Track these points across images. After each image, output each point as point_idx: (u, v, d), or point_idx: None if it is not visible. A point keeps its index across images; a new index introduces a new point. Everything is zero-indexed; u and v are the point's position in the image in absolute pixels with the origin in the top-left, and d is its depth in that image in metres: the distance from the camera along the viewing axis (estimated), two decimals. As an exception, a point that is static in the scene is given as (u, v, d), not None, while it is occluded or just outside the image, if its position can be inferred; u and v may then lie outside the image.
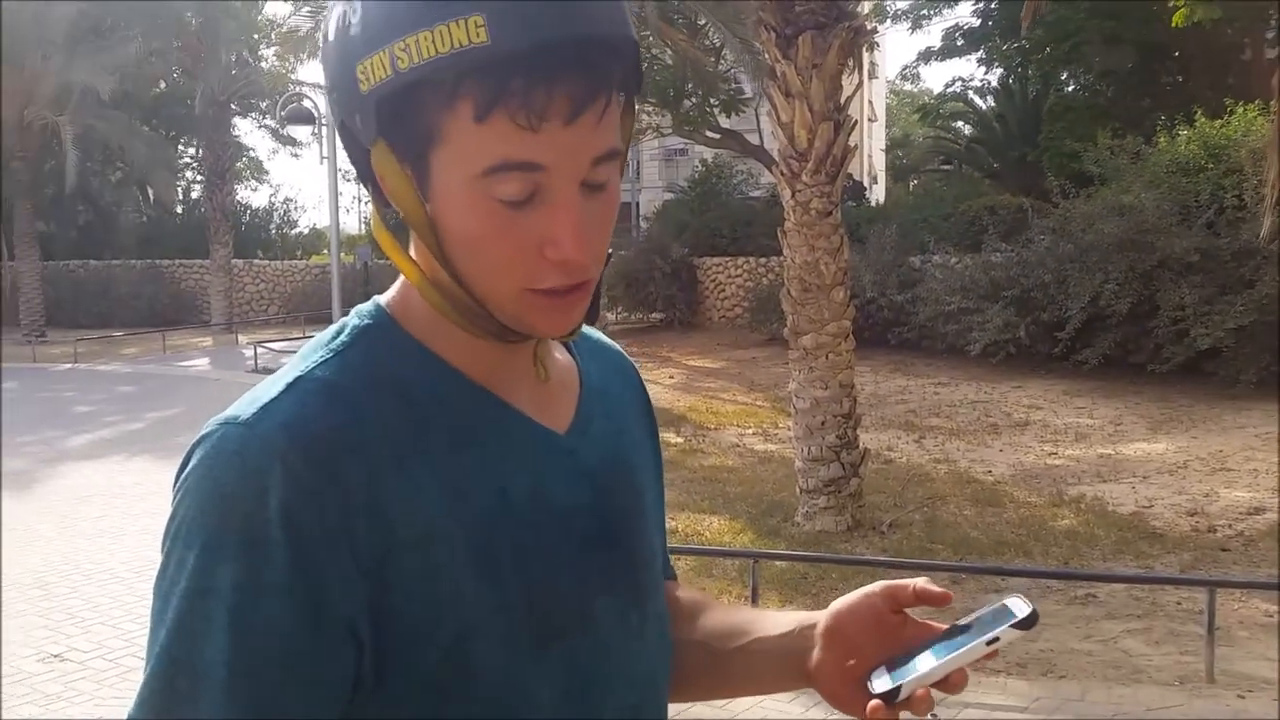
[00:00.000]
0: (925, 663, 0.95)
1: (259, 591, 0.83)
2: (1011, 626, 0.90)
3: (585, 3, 0.84)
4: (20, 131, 26.20)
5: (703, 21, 19.13)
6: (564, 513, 0.97)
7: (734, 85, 22.61)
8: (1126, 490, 10.14)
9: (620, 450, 1.07)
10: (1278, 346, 13.81)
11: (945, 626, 0.97)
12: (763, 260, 22.04)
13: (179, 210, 34.82)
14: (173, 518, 0.88)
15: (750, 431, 13.64)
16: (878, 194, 38.77)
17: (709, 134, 21.77)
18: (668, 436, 13.28)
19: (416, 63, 0.83)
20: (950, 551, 8.29)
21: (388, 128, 0.87)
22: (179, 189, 34.47)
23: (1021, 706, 5.58)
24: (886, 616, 1.01)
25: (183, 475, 0.89)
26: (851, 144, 8.89)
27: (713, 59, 21.20)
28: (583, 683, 0.95)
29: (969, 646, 0.91)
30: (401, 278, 0.99)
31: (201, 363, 22.93)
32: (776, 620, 1.10)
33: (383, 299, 1.00)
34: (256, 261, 31.28)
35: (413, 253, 0.95)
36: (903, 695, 0.94)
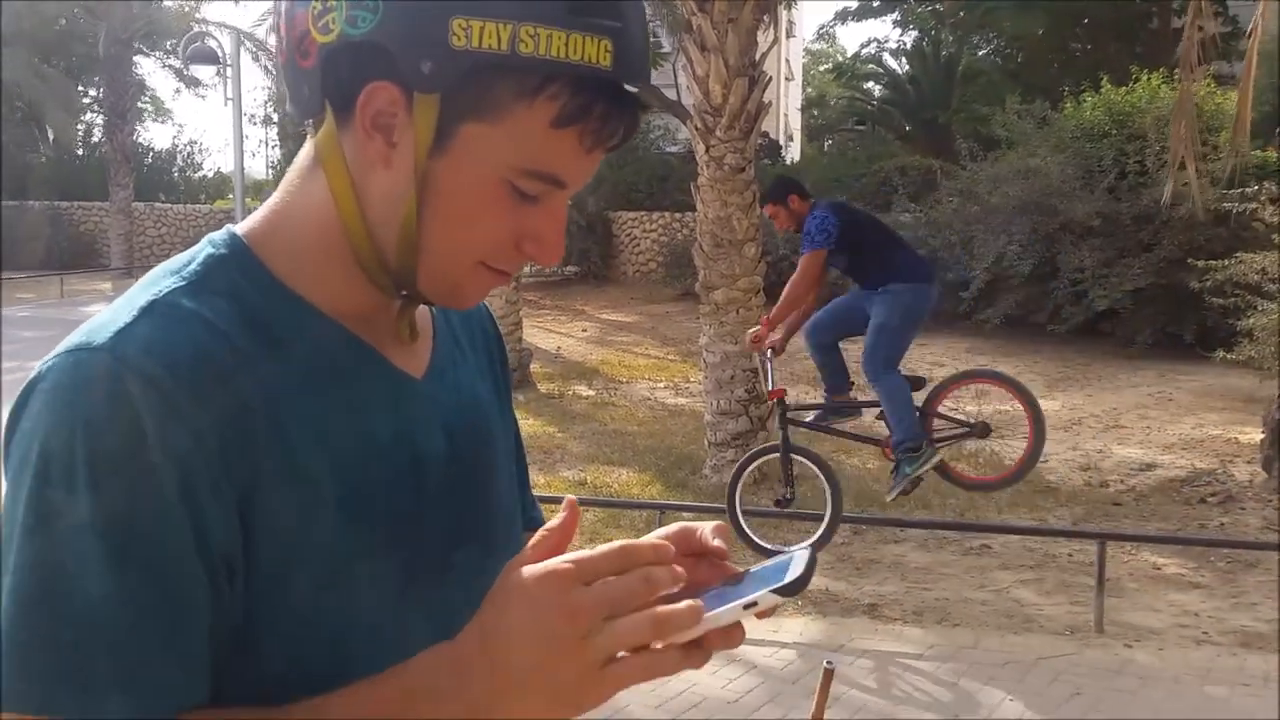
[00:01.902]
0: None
1: (142, 519, 0.80)
2: (772, 591, 0.83)
3: (647, 52, 0.90)
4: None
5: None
6: (425, 458, 0.96)
7: (652, 39, 22.45)
8: (1022, 445, 10.39)
9: (473, 397, 1.07)
10: (1172, 309, 14.23)
11: (739, 570, 0.93)
12: (678, 215, 22.05)
13: (79, 151, 33.70)
14: (24, 457, 0.81)
15: (662, 385, 13.71)
16: (793, 153, 38.94)
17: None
18: (579, 389, 13.32)
19: (540, 55, 0.83)
20: (852, 503, 8.39)
21: (456, 88, 0.85)
22: (79, 129, 33.34)
23: (916, 653, 5.74)
24: (680, 559, 0.95)
25: (26, 410, 0.83)
26: (766, 101, 8.92)
27: (631, 11, 21.04)
28: (447, 628, 0.89)
29: (728, 607, 0.84)
30: (267, 209, 0.97)
31: (99, 307, 22.21)
32: None
33: (239, 228, 0.97)
34: (158, 205, 30.40)
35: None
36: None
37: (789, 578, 0.84)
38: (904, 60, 32.22)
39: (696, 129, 8.88)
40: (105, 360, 0.82)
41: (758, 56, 8.89)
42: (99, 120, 33.23)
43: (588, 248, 22.38)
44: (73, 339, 0.84)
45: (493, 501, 1.05)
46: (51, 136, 31.67)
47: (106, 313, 0.87)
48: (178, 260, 0.93)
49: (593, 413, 11.93)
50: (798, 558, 0.86)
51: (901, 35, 33.90)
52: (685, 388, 13.23)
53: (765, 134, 29.96)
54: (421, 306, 1.04)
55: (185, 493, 0.81)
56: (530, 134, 0.86)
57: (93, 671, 0.78)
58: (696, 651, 0.84)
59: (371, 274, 0.94)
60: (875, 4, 28.84)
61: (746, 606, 0.84)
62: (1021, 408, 6.25)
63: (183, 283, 0.90)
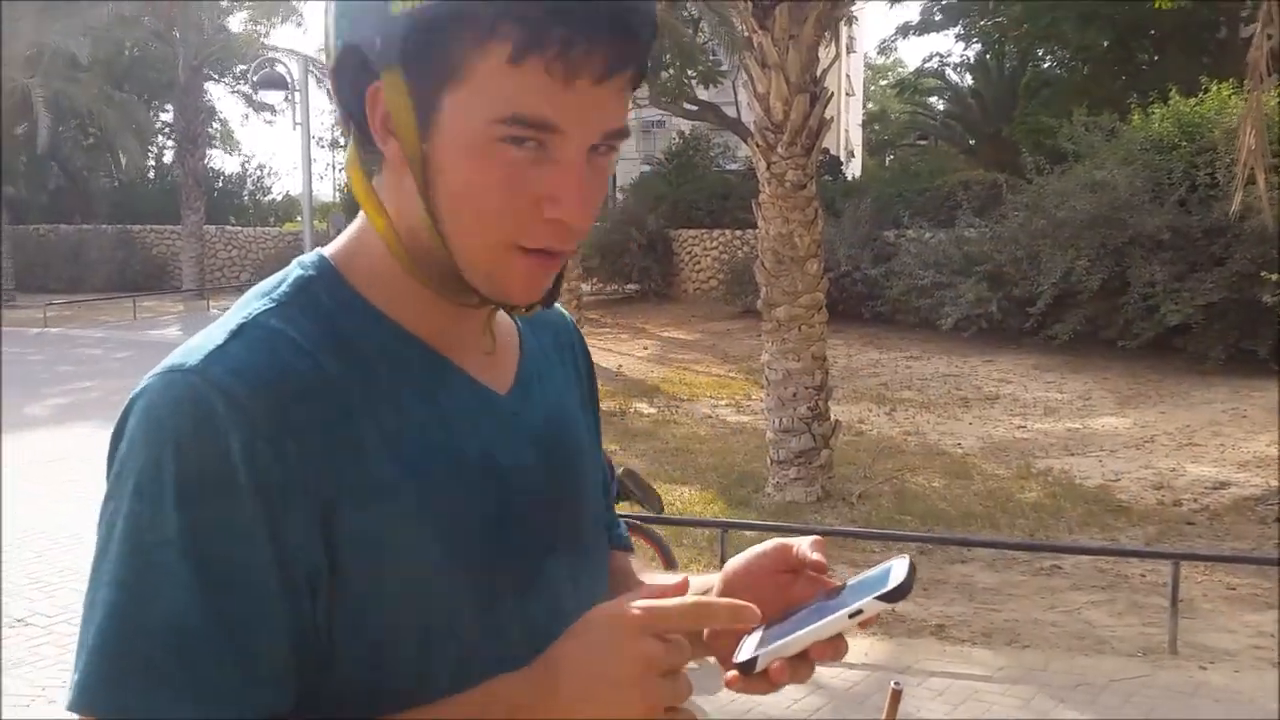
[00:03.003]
0: (790, 631, 0.90)
1: (225, 537, 0.82)
2: (877, 599, 0.85)
3: None
4: (-10, 94, 25.79)
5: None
6: (510, 473, 0.97)
7: (712, 57, 22.52)
8: (1093, 464, 10.23)
9: (560, 411, 1.07)
10: (1245, 324, 13.93)
11: (836, 584, 0.94)
12: (738, 233, 22.02)
13: (151, 175, 34.47)
14: (120, 473, 0.85)
15: (723, 403, 13.67)
16: (854, 168, 38.76)
17: (686, 106, 21.68)
18: (641, 407, 13.32)
19: None
20: (918, 522, 8.35)
21: (411, 55, 0.84)
22: (151, 154, 34.09)
23: (985, 675, 5.64)
24: (777, 576, 0.99)
25: (126, 428, 0.86)
26: (828, 117, 8.89)
27: (690, 30, 21.10)
28: (537, 640, 0.92)
29: (832, 618, 0.86)
30: (351, 231, 0.98)
31: (172, 329, 22.75)
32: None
33: (327, 250, 0.98)
34: (229, 228, 31.01)
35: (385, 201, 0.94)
36: (759, 667, 0.89)
37: (891, 584, 0.85)
38: (967, 74, 31.95)
39: (758, 146, 8.87)
40: (194, 381, 0.84)
41: (819, 73, 8.86)
42: (170, 145, 33.97)
43: (648, 266, 22.43)
44: (170, 359, 0.88)
45: (581, 511, 1.05)
46: (124, 161, 32.39)
47: (201, 334, 0.90)
48: (269, 282, 0.95)
49: (654, 430, 11.92)
50: (897, 565, 0.87)
51: (964, 49, 33.57)
52: (747, 405, 13.18)
53: (825, 150, 29.86)
54: (507, 321, 1.05)
55: (268, 510, 0.83)
56: (495, 80, 0.83)
57: (167, 681, 0.81)
58: (802, 665, 0.88)
59: (427, 282, 0.94)
60: (937, 18, 28.63)
61: (852, 615, 0.85)
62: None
63: (272, 304, 0.91)
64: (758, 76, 8.73)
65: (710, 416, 12.83)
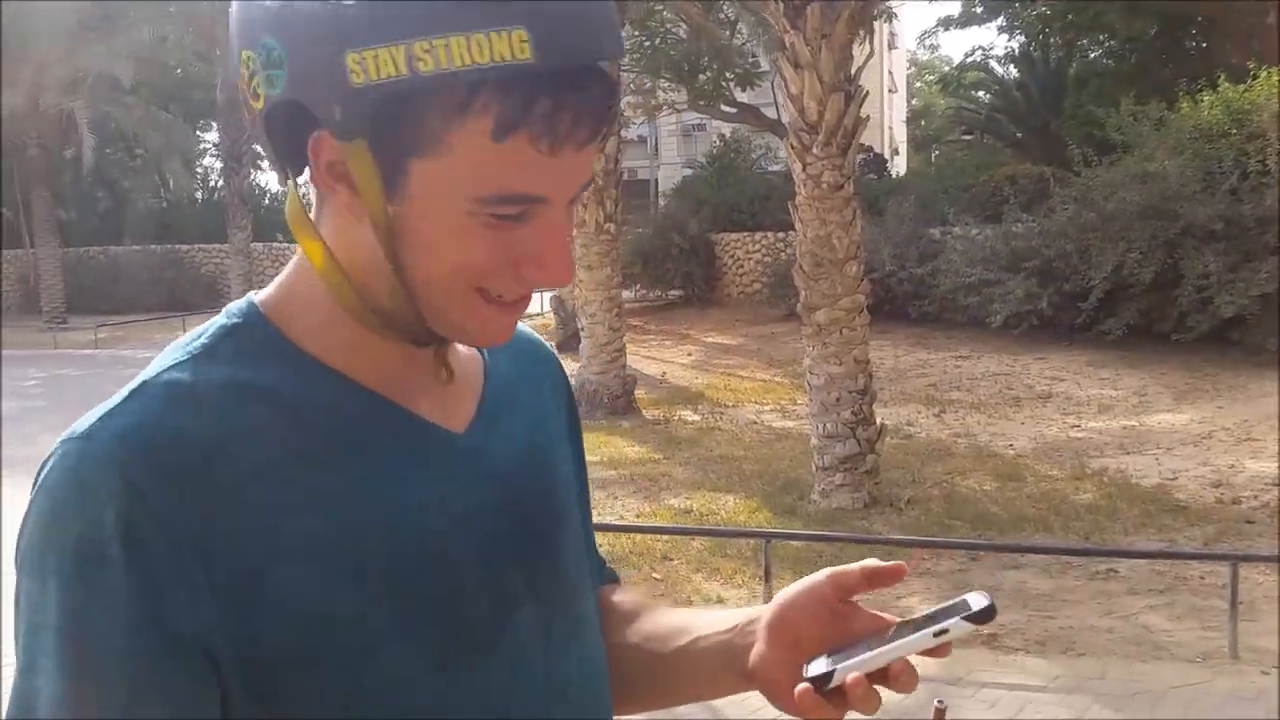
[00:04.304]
0: (867, 650, 0.87)
1: (94, 617, 0.76)
2: (964, 619, 0.83)
3: (608, 25, 0.80)
4: (35, 118, 26.27)
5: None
6: (466, 519, 0.89)
7: (750, 59, 22.38)
8: (1150, 462, 9.99)
9: (534, 447, 0.99)
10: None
11: (899, 620, 0.90)
12: (781, 235, 21.83)
13: (198, 195, 34.88)
14: (17, 547, 0.82)
15: (768, 408, 13.54)
16: (899, 166, 38.46)
17: (725, 108, 21.56)
18: (684, 414, 13.21)
19: (444, 68, 0.75)
20: (969, 527, 8.18)
21: (380, 129, 0.78)
22: (197, 174, 34.53)
23: (1040, 685, 5.49)
24: (835, 606, 0.93)
25: (31, 499, 0.82)
26: (864, 115, 8.75)
27: (727, 32, 20.99)
28: (504, 699, 0.88)
29: (915, 636, 0.84)
30: (284, 274, 0.92)
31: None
32: (719, 617, 1.02)
33: (258, 296, 0.92)
34: (276, 245, 31.27)
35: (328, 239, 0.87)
36: (835, 681, 0.86)
37: (975, 607, 0.84)
38: (1011, 67, 31.56)
39: (793, 147, 8.75)
40: (80, 449, 0.80)
41: (853, 71, 8.73)
42: (217, 165, 34.41)
43: (690, 271, 22.33)
44: (76, 423, 0.83)
45: (557, 555, 0.97)
46: (171, 182, 32.85)
47: (110, 398, 0.85)
48: (190, 334, 0.90)
49: (698, 438, 11.81)
50: (973, 596, 0.85)
51: (1008, 41, 33.17)
52: (793, 410, 13.03)
53: (869, 148, 29.61)
54: (469, 352, 0.98)
55: (144, 585, 0.77)
56: (477, 156, 0.78)
57: None
58: (872, 691, 0.85)
59: (372, 326, 0.87)
60: (979, 10, 28.31)
61: (937, 634, 0.84)
62: None
63: (186, 357, 0.86)
64: (790, 77, 8.61)
65: (755, 423, 12.70)
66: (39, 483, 0.81)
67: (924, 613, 0.87)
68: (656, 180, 37.58)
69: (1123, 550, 7.42)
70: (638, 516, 8.80)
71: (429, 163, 0.79)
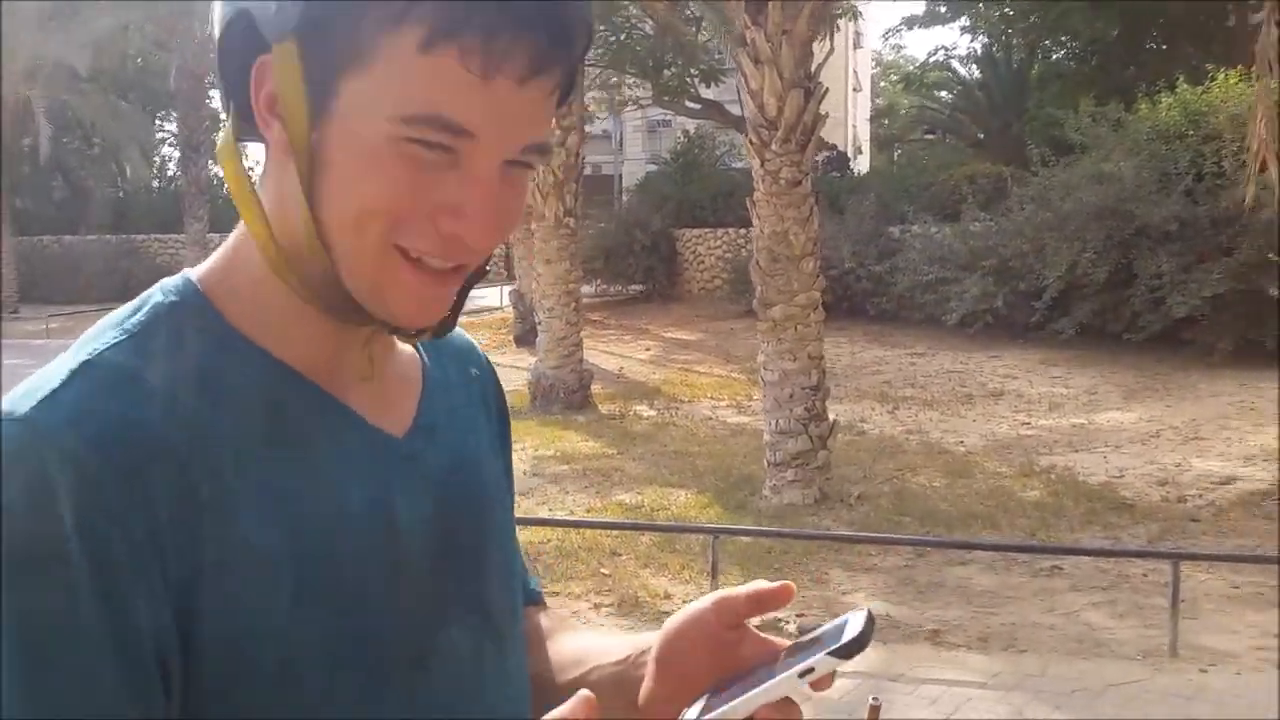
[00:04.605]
0: (735, 696, 0.81)
1: (58, 621, 0.70)
2: (829, 654, 0.76)
3: None
4: (-9, 106, 25.85)
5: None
6: (405, 529, 0.84)
7: (715, 55, 22.38)
8: (1098, 460, 10.07)
9: (467, 456, 0.93)
10: (1253, 315, 13.73)
11: (786, 644, 0.84)
12: (742, 231, 21.77)
13: (154, 185, 34.48)
14: None
15: (724, 404, 13.55)
16: (862, 164, 38.60)
17: (690, 104, 21.57)
18: (640, 409, 13.19)
19: None
20: (917, 524, 8.21)
21: (310, 27, 0.73)
22: (154, 163, 34.14)
23: (979, 682, 5.51)
24: (721, 634, 0.86)
25: None
26: (823, 112, 8.77)
27: (693, 28, 20.98)
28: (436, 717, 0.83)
29: (779, 679, 0.77)
30: (224, 248, 0.86)
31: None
32: (615, 645, 0.97)
33: (194, 273, 0.85)
34: (233, 235, 31.11)
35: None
36: None
37: (845, 638, 0.77)
38: (974, 67, 31.73)
39: (751, 143, 8.75)
40: (24, 434, 0.72)
41: (814, 68, 8.74)
42: (175, 154, 34.06)
43: (652, 266, 22.29)
44: (2, 403, 0.75)
45: (489, 573, 0.91)
46: (128, 171, 32.45)
47: (40, 373, 0.77)
48: (123, 310, 0.82)
49: (653, 433, 11.80)
50: (854, 618, 0.79)
51: (971, 42, 33.36)
52: (748, 406, 13.04)
53: (833, 146, 29.65)
54: (408, 352, 0.92)
55: (104, 586, 0.71)
56: (403, 68, 0.72)
57: None
58: None
59: (310, 298, 0.81)
60: (942, 10, 28.45)
61: (802, 674, 0.77)
62: None
63: (123, 337, 0.79)
64: (750, 73, 8.61)
65: (710, 418, 12.70)
66: None
67: (810, 634, 0.82)
68: (621, 176, 37.51)
69: (1067, 548, 7.47)
70: (588, 511, 8.78)
71: (357, 79, 0.73)
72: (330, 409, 0.83)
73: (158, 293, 0.83)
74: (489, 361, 1.05)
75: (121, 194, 34.41)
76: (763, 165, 8.69)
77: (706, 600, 0.87)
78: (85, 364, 0.76)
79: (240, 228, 0.84)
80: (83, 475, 0.71)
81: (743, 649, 0.85)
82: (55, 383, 0.75)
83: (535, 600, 1.09)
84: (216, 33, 0.80)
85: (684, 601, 5.51)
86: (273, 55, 0.75)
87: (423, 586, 0.84)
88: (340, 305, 0.80)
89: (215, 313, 0.82)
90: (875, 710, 0.96)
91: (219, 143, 0.83)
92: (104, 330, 0.80)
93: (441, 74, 0.72)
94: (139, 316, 0.80)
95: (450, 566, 0.87)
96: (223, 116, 0.84)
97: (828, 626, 0.81)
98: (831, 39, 10.55)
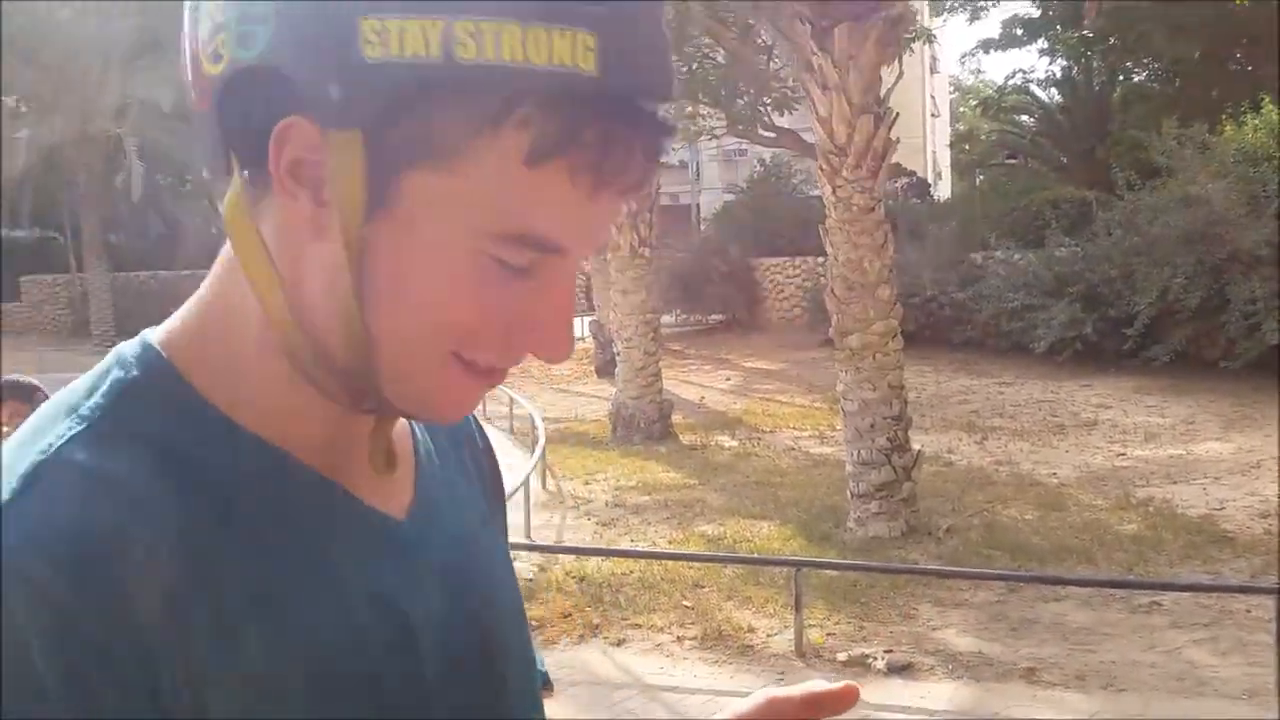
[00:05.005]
0: None
1: None
2: None
3: (671, 63, 0.66)
4: (84, 144, 26.71)
5: (753, 21, 18.92)
6: (414, 625, 0.74)
7: (788, 84, 22.34)
8: (1197, 492, 9.75)
9: (467, 532, 0.83)
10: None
11: None
12: (821, 260, 21.51)
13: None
14: None
15: (806, 434, 13.40)
16: (943, 190, 38.18)
17: (763, 133, 21.51)
18: (721, 439, 13.09)
19: (487, 59, 0.60)
20: (1008, 558, 8.00)
21: (383, 119, 0.62)
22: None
23: (1077, 722, 5.32)
24: None
25: None
26: (894, 138, 8.65)
27: (764, 57, 20.97)
28: None
29: None
30: (193, 307, 0.74)
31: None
32: None
33: (155, 336, 0.73)
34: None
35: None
36: None
37: None
38: (1053, 90, 31.28)
39: (822, 170, 8.69)
40: None
41: (883, 93, 8.64)
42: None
43: (730, 295, 22.24)
44: None
45: (508, 665, 0.82)
46: (220, 209, 33.17)
47: None
48: (77, 389, 0.71)
49: (735, 464, 11.70)
50: None
51: (1050, 64, 32.85)
52: (831, 436, 12.87)
53: (912, 173, 29.41)
54: (400, 423, 0.80)
55: None
56: (501, 180, 0.63)
57: None
58: None
59: (321, 385, 0.70)
60: (1019, 32, 28.09)
61: None
62: None
63: (80, 426, 0.67)
64: (819, 99, 8.54)
65: (793, 448, 12.56)
66: None
67: None
68: (698, 205, 37.57)
69: (1166, 583, 7.22)
70: (670, 543, 8.70)
71: (433, 175, 0.63)
72: (331, 497, 0.73)
73: (115, 366, 0.71)
74: (479, 424, 0.94)
75: (214, 230, 35.25)
76: (834, 192, 8.61)
77: (757, 698, 0.80)
78: (39, 465, 0.64)
79: (209, 284, 0.73)
80: (53, 608, 0.59)
81: None
82: (9, 490, 0.63)
83: (543, 684, 0.98)
84: (217, 73, 0.66)
85: (768, 635, 5.39)
86: (329, 141, 0.64)
87: (439, 690, 0.75)
88: (357, 398, 0.71)
89: (188, 388, 0.70)
90: None
91: (227, 203, 0.69)
92: (56, 417, 0.68)
93: (545, 191, 0.64)
94: (97, 399, 0.69)
95: (465, 667, 0.78)
96: (203, 170, 0.74)
97: None
98: (901, 63, 10.42)
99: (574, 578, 7.59)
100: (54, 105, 25.94)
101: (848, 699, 0.77)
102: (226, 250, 0.72)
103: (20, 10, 23.77)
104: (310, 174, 0.65)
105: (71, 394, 0.70)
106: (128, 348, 0.73)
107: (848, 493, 8.80)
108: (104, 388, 0.69)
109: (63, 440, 0.66)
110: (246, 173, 0.68)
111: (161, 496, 0.65)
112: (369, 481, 0.75)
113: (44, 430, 0.67)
